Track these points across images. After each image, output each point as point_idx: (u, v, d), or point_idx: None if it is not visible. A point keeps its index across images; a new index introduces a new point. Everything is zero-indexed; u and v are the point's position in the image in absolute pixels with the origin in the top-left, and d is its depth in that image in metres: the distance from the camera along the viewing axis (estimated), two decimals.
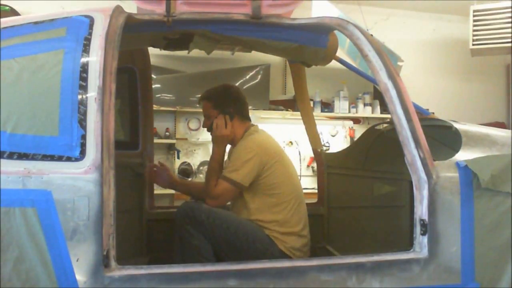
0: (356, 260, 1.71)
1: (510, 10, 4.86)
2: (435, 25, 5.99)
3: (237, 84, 5.21)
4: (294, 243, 2.38)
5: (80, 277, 1.50)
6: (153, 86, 3.12)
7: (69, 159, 1.53)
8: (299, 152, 5.37)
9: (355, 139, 5.17)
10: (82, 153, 1.53)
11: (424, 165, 1.74)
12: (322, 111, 5.42)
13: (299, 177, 2.66)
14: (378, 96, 5.47)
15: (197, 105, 5.06)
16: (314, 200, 3.16)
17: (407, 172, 1.80)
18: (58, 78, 1.59)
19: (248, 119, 2.61)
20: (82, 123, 1.55)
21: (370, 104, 5.60)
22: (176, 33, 2.26)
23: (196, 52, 2.64)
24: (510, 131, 2.13)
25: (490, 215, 1.80)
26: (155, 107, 3.77)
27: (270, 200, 2.38)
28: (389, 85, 1.83)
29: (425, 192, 1.73)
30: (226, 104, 2.49)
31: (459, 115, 4.38)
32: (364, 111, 5.57)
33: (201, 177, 5.20)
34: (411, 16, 5.91)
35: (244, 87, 5.25)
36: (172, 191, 4.97)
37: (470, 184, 1.78)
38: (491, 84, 6.21)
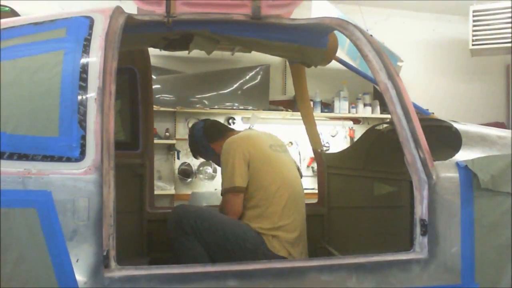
0: (356, 261, 1.71)
1: (510, 10, 4.86)
2: (435, 25, 5.99)
3: (237, 84, 5.22)
4: (286, 236, 2.33)
5: (80, 277, 1.50)
6: (153, 87, 3.12)
7: (69, 159, 1.53)
8: (299, 152, 5.37)
9: (355, 139, 5.18)
10: (82, 153, 1.54)
11: (424, 165, 1.75)
12: (322, 111, 5.41)
13: (298, 174, 2.63)
14: (378, 96, 5.47)
15: (197, 106, 5.08)
16: (314, 200, 3.16)
17: (407, 172, 1.80)
18: (58, 79, 1.60)
19: (225, 131, 2.68)
20: (82, 123, 1.56)
21: (370, 104, 5.59)
22: (176, 33, 2.26)
23: (196, 53, 2.64)
24: (510, 131, 2.12)
25: (490, 215, 1.80)
26: (155, 107, 3.77)
27: (258, 197, 2.35)
28: (389, 85, 1.83)
29: (425, 193, 1.73)
30: (202, 143, 2.68)
31: (459, 115, 4.37)
32: (364, 111, 5.57)
33: (200, 177, 5.21)
34: (411, 16, 5.91)
35: (244, 87, 5.24)
36: (172, 192, 4.99)
37: (470, 185, 1.78)
38: (491, 84, 6.21)
